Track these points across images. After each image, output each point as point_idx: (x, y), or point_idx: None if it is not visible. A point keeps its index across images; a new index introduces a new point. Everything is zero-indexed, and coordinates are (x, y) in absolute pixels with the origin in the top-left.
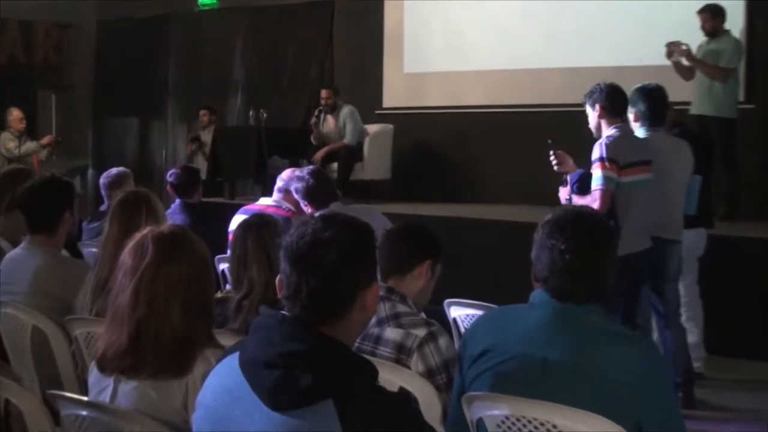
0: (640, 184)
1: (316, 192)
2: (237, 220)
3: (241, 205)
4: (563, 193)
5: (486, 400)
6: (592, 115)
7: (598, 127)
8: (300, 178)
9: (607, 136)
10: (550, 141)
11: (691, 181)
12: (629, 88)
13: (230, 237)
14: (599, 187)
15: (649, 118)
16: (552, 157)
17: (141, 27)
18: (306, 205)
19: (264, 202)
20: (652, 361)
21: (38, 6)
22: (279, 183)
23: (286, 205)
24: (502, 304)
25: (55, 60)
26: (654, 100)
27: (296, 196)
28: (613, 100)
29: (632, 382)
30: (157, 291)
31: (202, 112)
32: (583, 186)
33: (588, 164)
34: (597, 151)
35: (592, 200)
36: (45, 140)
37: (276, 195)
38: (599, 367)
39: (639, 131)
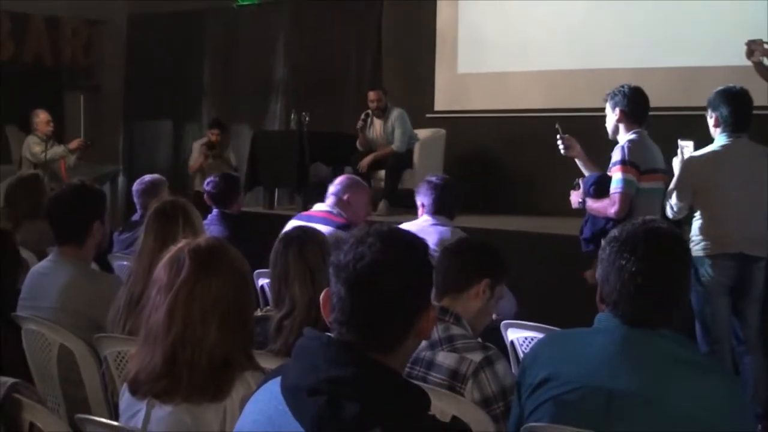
0: (658, 192)
1: (447, 195)
2: (291, 225)
3: (288, 216)
4: (575, 196)
5: None
6: (611, 117)
7: (615, 131)
8: (429, 182)
9: (629, 141)
10: (557, 125)
11: None
12: (706, 90)
13: None
14: (619, 190)
15: (731, 124)
16: (559, 142)
17: (175, 23)
18: (422, 205)
19: (319, 207)
20: (730, 395)
21: (65, 1)
22: (332, 188)
23: (338, 210)
24: (564, 327)
25: (83, 59)
26: (739, 104)
27: (419, 199)
28: (634, 106)
29: (707, 417)
30: (194, 309)
31: (212, 131)
32: (600, 189)
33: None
34: (618, 154)
35: (611, 204)
36: (73, 144)
37: (331, 200)
38: (671, 400)
39: (719, 137)
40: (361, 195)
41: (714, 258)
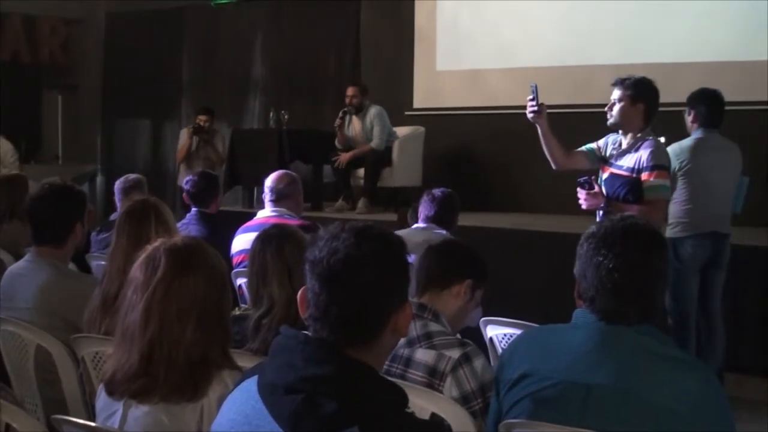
0: None
1: (445, 207)
2: (241, 240)
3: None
4: (590, 199)
5: (526, 427)
6: (627, 107)
7: (629, 124)
8: (429, 194)
9: (657, 143)
10: (535, 84)
11: (739, 182)
12: (685, 87)
13: (234, 260)
14: (663, 197)
15: (708, 120)
16: (532, 102)
17: (153, 22)
18: (424, 220)
19: (264, 214)
20: (708, 390)
21: (43, 0)
22: (273, 189)
23: (287, 212)
24: (543, 323)
25: (61, 58)
26: (715, 103)
27: (422, 213)
28: (655, 105)
29: (685, 411)
30: (170, 308)
31: (201, 117)
32: (636, 194)
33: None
34: (653, 157)
35: (654, 210)
36: None
37: (275, 205)
38: (649, 395)
39: (696, 132)
40: (299, 187)
41: (693, 238)
